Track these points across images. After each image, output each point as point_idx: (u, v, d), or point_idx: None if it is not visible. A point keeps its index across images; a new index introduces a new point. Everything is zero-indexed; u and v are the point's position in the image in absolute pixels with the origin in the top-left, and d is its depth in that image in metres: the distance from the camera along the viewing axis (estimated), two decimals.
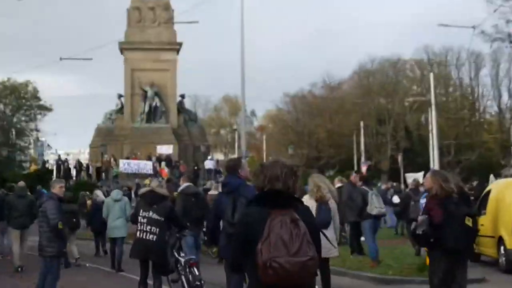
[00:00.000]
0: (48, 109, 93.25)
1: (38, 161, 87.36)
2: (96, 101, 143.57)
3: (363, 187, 17.73)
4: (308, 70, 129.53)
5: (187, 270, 13.02)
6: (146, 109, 56.23)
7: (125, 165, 48.59)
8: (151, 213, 11.87)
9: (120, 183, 42.54)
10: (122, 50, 58.48)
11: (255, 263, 4.60)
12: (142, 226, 11.94)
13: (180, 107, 59.29)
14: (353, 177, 19.47)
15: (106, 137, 56.76)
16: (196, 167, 52.19)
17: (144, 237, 11.87)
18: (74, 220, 19.60)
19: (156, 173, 47.17)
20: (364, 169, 54.86)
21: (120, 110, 58.36)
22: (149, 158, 50.92)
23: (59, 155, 64.59)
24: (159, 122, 56.49)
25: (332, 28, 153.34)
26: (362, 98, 76.93)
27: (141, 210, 12.08)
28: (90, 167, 55.16)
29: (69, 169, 54.70)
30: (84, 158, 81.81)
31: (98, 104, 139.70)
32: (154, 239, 11.79)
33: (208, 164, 53.74)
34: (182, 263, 13.07)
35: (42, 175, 46.61)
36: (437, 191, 8.84)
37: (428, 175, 9.53)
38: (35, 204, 18.52)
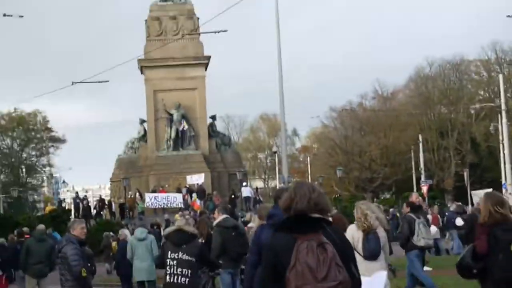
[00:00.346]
0: (60, 140, 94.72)
1: (53, 200, 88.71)
2: (115, 129, 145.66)
3: (410, 214, 18.14)
4: (356, 79, 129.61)
5: None
6: (173, 134, 56.91)
7: (151, 200, 48.78)
8: (180, 254, 12.26)
9: (143, 220, 43.12)
10: (142, 69, 59.23)
11: None
12: (172, 269, 12.30)
13: (211, 130, 59.85)
14: (414, 197, 19.87)
15: (129, 169, 57.50)
16: (233, 196, 52.74)
17: (175, 280, 12.24)
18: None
19: (187, 207, 47.88)
20: (424, 189, 55.08)
21: (143, 138, 59.17)
22: (179, 190, 51.53)
23: (76, 193, 65.43)
24: (188, 148, 57.13)
25: (382, 29, 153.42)
26: (420, 108, 76.98)
27: (169, 252, 12.44)
28: (113, 204, 55.88)
29: (89, 207, 55.42)
30: (105, 194, 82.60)
31: (117, 133, 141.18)
32: (187, 282, 12.19)
33: (246, 191, 54.07)
34: None
35: (59, 216, 47.61)
36: (485, 217, 9.11)
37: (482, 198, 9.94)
38: (55, 250, 19.09)
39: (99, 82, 41.21)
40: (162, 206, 48.49)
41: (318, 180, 65.20)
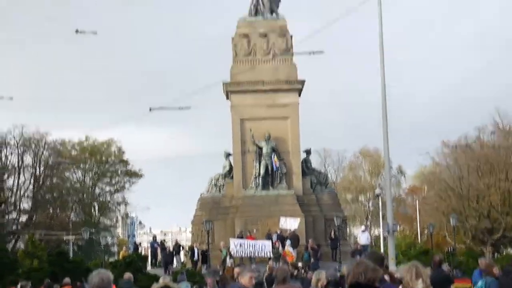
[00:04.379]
0: (137, 175, 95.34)
1: (128, 243, 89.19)
2: (197, 163, 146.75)
3: None
4: (473, 109, 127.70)
5: None
6: (262, 171, 56.92)
7: (236, 247, 48.29)
8: None
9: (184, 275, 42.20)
10: (227, 94, 59.75)
11: None
12: None
13: (306, 167, 59.69)
14: None
15: (212, 211, 57.62)
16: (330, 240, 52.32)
17: None
18: None
19: (278, 256, 47.23)
20: None
21: (229, 174, 59.42)
22: (269, 236, 51.14)
23: (154, 236, 65.89)
24: (278, 187, 57.01)
25: (502, 50, 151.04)
26: None
27: None
28: (195, 249, 54.92)
29: (172, 253, 55.13)
30: (186, 238, 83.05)
31: (200, 167, 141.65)
32: None
33: (363, 239, 53.18)
34: None
35: (134, 263, 47.81)
36: None
37: None
38: None
39: (179, 108, 41.25)
40: (248, 255, 48.08)
41: (428, 229, 63.88)
